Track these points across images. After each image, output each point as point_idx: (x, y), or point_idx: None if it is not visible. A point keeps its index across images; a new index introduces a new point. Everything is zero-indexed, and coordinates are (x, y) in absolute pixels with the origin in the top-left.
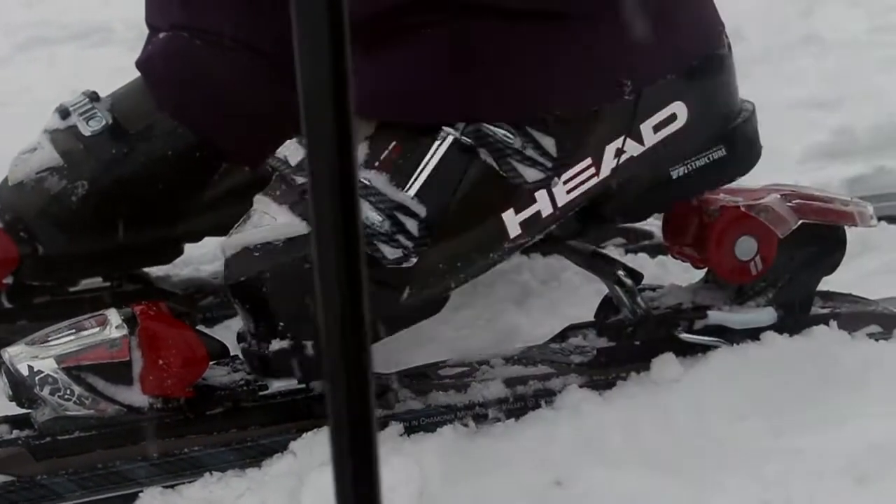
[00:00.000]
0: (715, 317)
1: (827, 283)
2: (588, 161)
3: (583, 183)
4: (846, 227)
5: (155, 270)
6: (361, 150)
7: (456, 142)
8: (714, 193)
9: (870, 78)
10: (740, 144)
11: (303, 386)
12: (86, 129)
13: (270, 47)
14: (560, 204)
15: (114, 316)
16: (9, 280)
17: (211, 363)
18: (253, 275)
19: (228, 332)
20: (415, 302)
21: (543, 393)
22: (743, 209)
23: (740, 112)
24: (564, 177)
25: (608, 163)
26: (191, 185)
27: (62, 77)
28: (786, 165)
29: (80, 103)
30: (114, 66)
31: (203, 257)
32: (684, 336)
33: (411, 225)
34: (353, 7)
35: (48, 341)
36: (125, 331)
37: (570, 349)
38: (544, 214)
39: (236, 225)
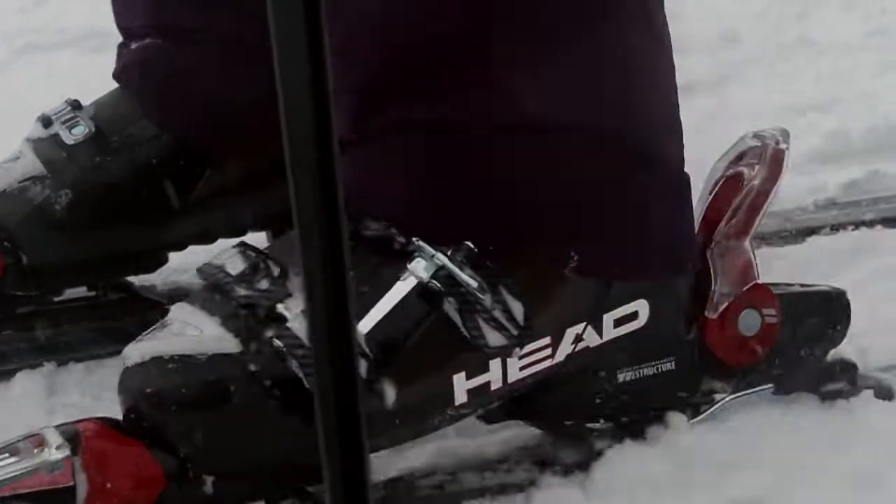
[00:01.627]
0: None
1: None
2: (547, 340)
3: (537, 363)
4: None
5: (139, 279)
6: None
7: (419, 285)
8: None
9: (864, 81)
10: (689, 362)
11: None
12: (68, 138)
13: (252, 38)
14: (510, 380)
15: (53, 435)
16: None
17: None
18: (164, 388)
19: None
20: None
21: None
22: None
23: (690, 330)
24: (522, 352)
25: (565, 347)
26: (175, 192)
27: (59, 82)
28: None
29: (62, 111)
30: (111, 72)
31: (189, 265)
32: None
33: (361, 365)
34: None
35: None
36: (67, 451)
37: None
38: (493, 387)
39: (143, 334)
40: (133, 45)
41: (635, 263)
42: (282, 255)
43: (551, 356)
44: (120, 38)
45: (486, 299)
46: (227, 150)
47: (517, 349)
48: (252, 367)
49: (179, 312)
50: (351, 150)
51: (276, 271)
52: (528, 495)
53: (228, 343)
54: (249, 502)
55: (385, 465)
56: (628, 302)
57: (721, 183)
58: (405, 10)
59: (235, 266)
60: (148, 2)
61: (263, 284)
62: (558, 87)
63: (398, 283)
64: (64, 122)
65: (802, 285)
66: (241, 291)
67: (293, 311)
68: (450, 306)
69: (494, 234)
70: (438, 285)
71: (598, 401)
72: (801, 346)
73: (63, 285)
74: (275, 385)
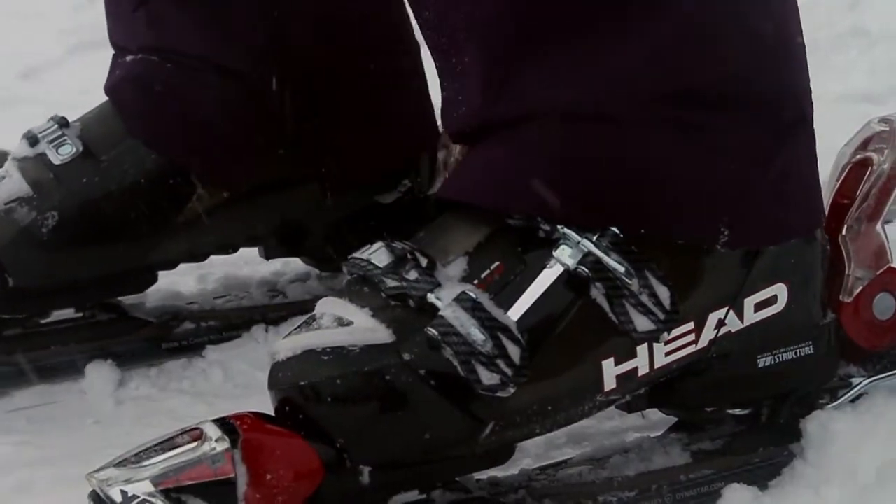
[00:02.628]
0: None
1: None
2: (691, 325)
3: (681, 348)
4: None
5: (128, 299)
6: (459, 266)
7: (566, 272)
8: None
9: None
10: (825, 346)
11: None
12: (55, 158)
13: (244, 68)
14: (657, 365)
15: (211, 429)
16: None
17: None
18: (319, 380)
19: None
20: (490, 444)
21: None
22: None
23: (826, 314)
24: (669, 337)
25: (708, 332)
26: (164, 211)
27: None
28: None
29: (49, 129)
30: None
31: (177, 284)
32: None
33: (513, 351)
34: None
35: (140, 462)
36: (227, 444)
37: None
38: (640, 373)
39: (293, 329)
40: (127, 59)
41: (782, 226)
42: (428, 246)
43: (695, 341)
44: None
45: (634, 284)
46: (216, 172)
47: (665, 334)
48: (406, 357)
49: (328, 306)
50: (486, 139)
51: (423, 262)
52: None
53: (381, 333)
54: (404, 491)
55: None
56: (768, 286)
57: (849, 168)
58: None
59: (381, 259)
60: (147, 22)
61: (412, 275)
62: (703, 57)
63: (545, 271)
64: (51, 142)
65: None
66: (391, 283)
67: (444, 301)
68: (597, 292)
69: (640, 217)
70: (585, 271)
71: (738, 386)
72: None
73: (50, 307)
74: (430, 374)
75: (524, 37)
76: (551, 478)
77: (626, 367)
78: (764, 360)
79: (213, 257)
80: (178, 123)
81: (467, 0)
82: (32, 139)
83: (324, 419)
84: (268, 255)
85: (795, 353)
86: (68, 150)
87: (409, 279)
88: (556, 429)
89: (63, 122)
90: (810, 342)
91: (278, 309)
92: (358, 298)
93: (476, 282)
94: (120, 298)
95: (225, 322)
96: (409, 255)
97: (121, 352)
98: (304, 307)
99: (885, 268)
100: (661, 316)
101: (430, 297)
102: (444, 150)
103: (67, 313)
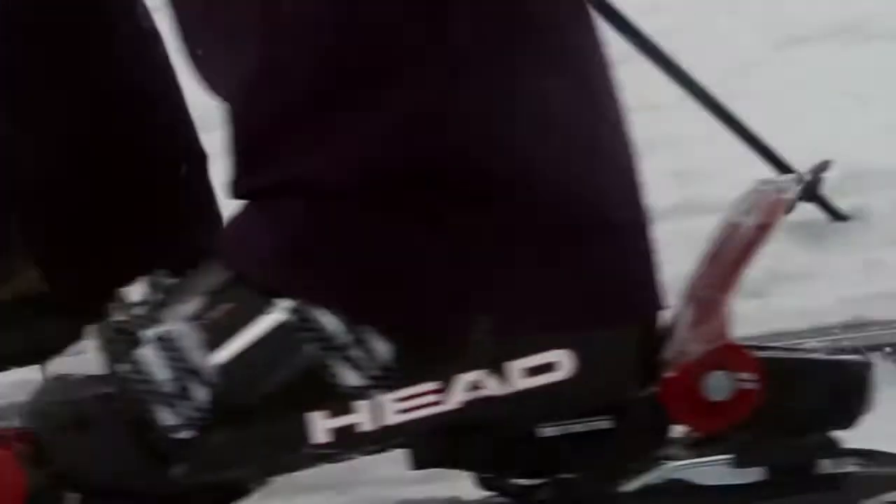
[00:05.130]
0: None
1: None
2: (432, 385)
3: (421, 408)
4: None
5: None
6: (193, 305)
7: (282, 320)
8: None
9: None
10: (633, 423)
11: None
12: None
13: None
14: (385, 423)
15: None
16: None
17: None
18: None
19: None
20: (190, 481)
21: None
22: None
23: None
24: (397, 395)
25: (458, 394)
26: None
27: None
28: None
29: None
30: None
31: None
32: None
33: (201, 393)
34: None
35: None
36: None
37: None
38: (363, 429)
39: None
40: None
41: (559, 320)
42: (178, 286)
43: (441, 402)
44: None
45: (347, 338)
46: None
47: (379, 392)
48: (106, 390)
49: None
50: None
51: (159, 298)
52: None
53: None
54: None
55: None
56: (539, 352)
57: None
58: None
59: (136, 295)
60: None
61: (139, 311)
62: (447, 139)
63: (261, 317)
64: None
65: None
66: (119, 317)
67: (150, 338)
68: (309, 343)
69: (370, 305)
70: (299, 322)
71: (517, 453)
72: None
73: None
74: (122, 409)
75: (271, 107)
76: None
77: (343, 421)
78: (544, 432)
79: None
80: None
81: (226, 70)
82: None
83: (46, 443)
84: None
85: (589, 428)
86: None
87: (134, 314)
88: (265, 475)
89: None
90: (611, 418)
91: None
92: (95, 332)
93: (202, 319)
94: None
95: None
96: (153, 292)
97: None
98: None
99: (721, 343)
100: (376, 373)
101: (141, 333)
102: None
103: None
